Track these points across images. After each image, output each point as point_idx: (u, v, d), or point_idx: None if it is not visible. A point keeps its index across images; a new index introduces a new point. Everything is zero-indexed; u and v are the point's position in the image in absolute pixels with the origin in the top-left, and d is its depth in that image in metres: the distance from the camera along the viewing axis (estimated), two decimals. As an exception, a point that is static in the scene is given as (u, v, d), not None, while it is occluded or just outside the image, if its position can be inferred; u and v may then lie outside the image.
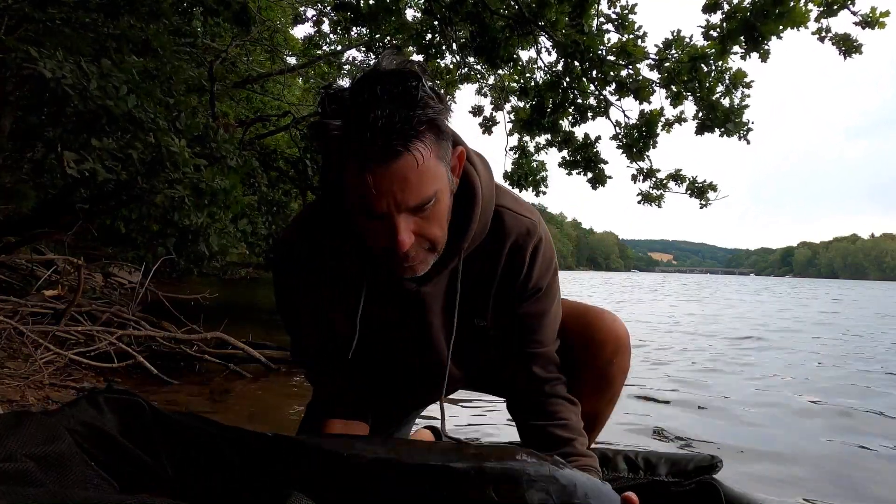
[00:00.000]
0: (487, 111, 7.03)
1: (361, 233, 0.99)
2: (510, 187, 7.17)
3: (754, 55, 4.80)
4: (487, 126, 6.96)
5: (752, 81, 5.37)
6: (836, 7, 4.60)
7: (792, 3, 4.44)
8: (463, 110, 9.15)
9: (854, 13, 4.55)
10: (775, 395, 3.31)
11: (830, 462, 2.10)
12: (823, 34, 4.80)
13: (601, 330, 1.30)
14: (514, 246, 1.13)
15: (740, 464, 2.03)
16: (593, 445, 1.37)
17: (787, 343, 5.86)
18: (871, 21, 4.51)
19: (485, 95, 7.22)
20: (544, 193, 6.87)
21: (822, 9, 4.64)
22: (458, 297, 1.14)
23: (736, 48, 4.87)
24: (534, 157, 6.79)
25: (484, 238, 1.11)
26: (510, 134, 6.59)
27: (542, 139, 6.47)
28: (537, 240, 1.14)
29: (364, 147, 0.85)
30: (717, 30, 4.97)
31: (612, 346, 1.29)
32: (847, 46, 4.77)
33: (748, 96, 5.46)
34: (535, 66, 6.27)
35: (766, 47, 4.73)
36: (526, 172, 6.71)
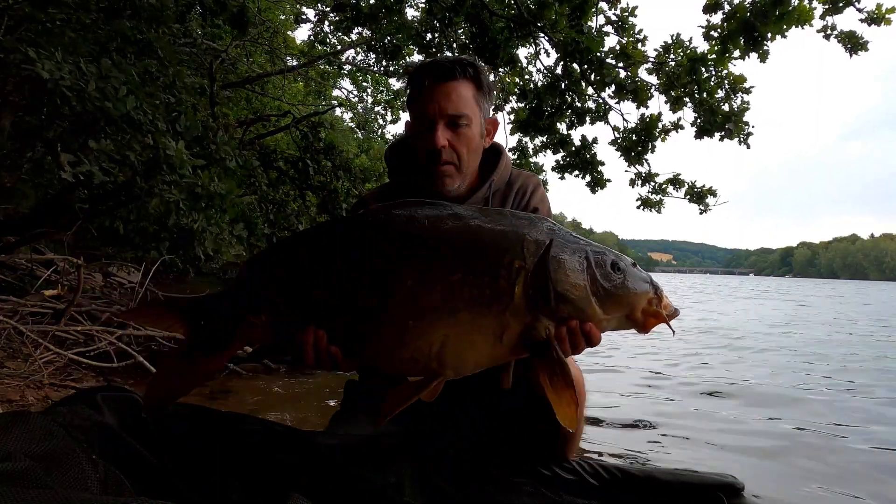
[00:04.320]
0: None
1: (414, 148, 1.39)
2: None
3: (753, 55, 4.81)
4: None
5: (752, 87, 5.37)
6: (841, 4, 4.59)
7: (794, 3, 4.44)
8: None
9: (860, 10, 4.54)
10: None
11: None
12: (829, 32, 4.79)
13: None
14: (520, 189, 1.55)
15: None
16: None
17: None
18: (877, 18, 4.49)
19: (486, 93, 7.20)
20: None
21: (827, 6, 4.63)
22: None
23: (736, 52, 4.87)
24: (532, 160, 6.78)
25: (503, 188, 1.54)
26: (511, 134, 6.58)
27: (538, 141, 6.47)
28: (536, 182, 1.59)
29: (431, 71, 1.36)
30: (718, 30, 4.97)
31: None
32: (853, 44, 4.76)
33: (748, 102, 5.46)
34: (535, 67, 6.27)
35: (766, 47, 4.73)
36: (526, 172, 6.69)
